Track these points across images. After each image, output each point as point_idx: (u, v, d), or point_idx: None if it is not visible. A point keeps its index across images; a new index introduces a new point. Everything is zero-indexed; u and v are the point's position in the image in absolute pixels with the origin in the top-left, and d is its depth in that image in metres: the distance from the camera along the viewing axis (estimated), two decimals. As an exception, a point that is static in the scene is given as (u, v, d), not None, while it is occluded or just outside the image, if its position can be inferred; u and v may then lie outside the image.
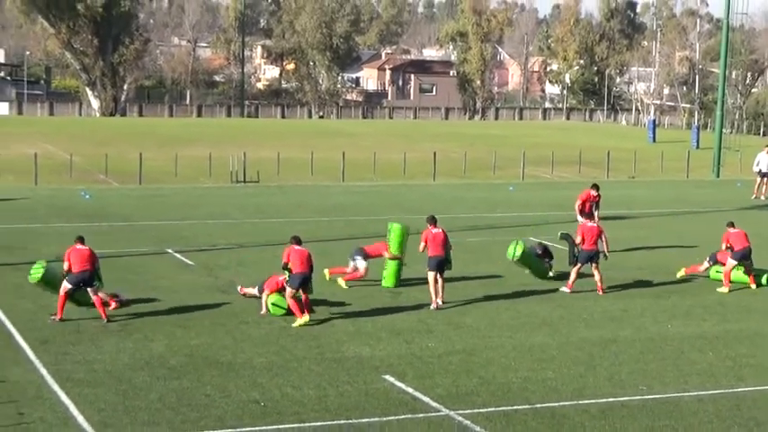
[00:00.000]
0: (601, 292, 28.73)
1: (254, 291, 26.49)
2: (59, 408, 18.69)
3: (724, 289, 29.67)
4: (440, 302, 26.87)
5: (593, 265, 28.84)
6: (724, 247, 30.37)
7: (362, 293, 28.08)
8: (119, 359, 21.75)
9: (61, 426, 17.80)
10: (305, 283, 24.94)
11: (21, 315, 24.83)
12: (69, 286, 24.60)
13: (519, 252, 29.67)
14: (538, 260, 30.56)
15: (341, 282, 28.81)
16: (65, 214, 41.64)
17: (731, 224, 30.88)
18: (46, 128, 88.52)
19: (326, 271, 29.13)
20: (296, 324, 24.51)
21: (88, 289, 24.78)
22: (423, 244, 27.22)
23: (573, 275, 29.14)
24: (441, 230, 27.33)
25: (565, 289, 29.03)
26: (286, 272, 25.04)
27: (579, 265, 29.07)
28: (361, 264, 28.94)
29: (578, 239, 29.20)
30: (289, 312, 25.08)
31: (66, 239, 35.00)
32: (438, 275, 26.95)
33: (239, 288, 27.22)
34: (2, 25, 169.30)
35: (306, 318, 24.63)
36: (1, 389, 19.65)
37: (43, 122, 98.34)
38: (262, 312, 25.60)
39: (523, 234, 38.50)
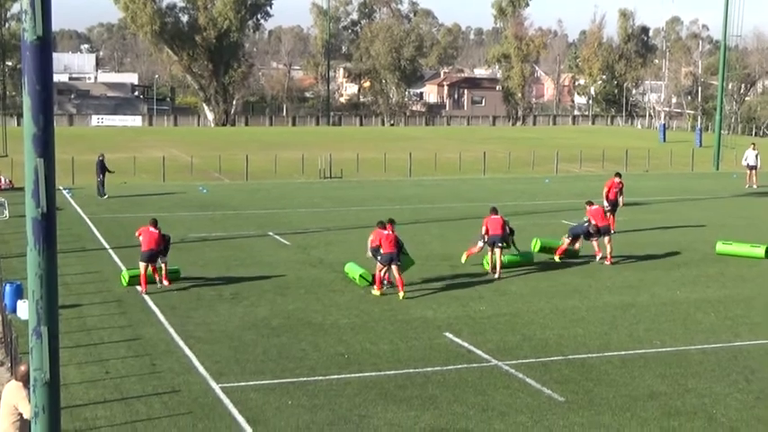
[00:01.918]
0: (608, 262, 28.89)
1: (381, 273, 24.87)
2: (184, 360, 18.87)
3: None
4: (496, 275, 26.84)
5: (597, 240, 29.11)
6: None
7: (426, 268, 28.03)
8: (231, 321, 21.90)
9: (186, 374, 17.96)
10: (391, 260, 24.63)
11: (152, 286, 25.06)
12: (143, 264, 24.70)
13: (537, 247, 29.61)
14: (553, 242, 30.24)
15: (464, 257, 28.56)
16: (186, 205, 42.00)
17: None
18: (171, 136, 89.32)
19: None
20: (373, 293, 24.55)
21: (158, 263, 24.94)
22: (484, 227, 27.18)
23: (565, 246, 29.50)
24: (499, 217, 27.35)
25: (556, 258, 29.31)
26: (374, 253, 24.84)
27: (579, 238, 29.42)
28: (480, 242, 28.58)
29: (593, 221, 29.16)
30: (371, 284, 25.09)
31: (188, 225, 35.47)
32: (496, 250, 26.95)
33: (376, 288, 24.81)
34: (136, 54, 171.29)
35: (377, 292, 24.51)
36: (138, 345, 19.88)
37: (169, 132, 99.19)
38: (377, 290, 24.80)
39: (556, 217, 38.33)
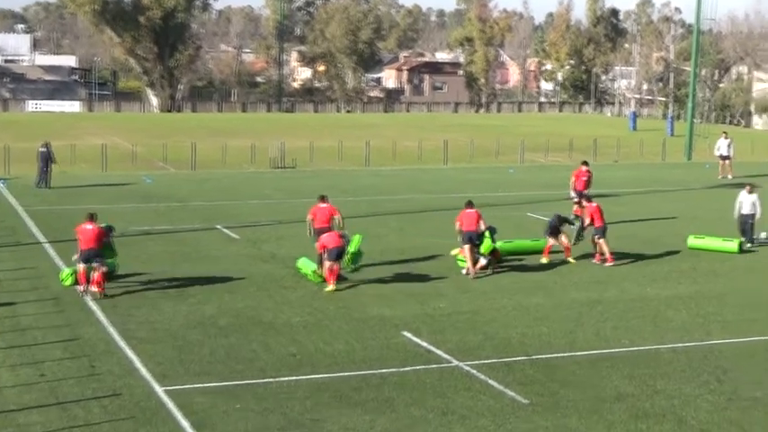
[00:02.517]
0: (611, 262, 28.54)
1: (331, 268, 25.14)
2: (125, 361, 18.77)
3: None
4: (472, 272, 26.44)
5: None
6: None
7: (383, 264, 28.06)
8: (175, 320, 21.81)
9: (127, 376, 17.86)
10: (339, 255, 24.86)
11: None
12: (82, 265, 23.79)
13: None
14: (520, 243, 30.17)
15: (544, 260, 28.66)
16: (129, 196, 41.73)
17: None
18: (113, 123, 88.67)
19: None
20: (326, 290, 24.63)
21: (93, 264, 23.76)
22: (458, 223, 26.71)
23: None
24: (474, 211, 26.70)
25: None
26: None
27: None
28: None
29: (587, 221, 28.99)
30: (325, 280, 25.10)
31: (131, 218, 35.22)
32: (472, 248, 26.46)
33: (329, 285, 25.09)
34: (75, 35, 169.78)
35: (331, 287, 24.68)
36: (76, 345, 19.75)
37: (110, 118, 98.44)
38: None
39: (521, 209, 38.51)
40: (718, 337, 21.30)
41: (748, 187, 32.24)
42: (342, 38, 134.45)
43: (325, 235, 25.17)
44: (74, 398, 16.73)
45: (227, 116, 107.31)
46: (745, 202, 31.65)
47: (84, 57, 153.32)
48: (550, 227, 29.05)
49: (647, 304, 23.98)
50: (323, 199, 27.11)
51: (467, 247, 26.52)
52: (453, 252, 27.86)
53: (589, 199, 30.83)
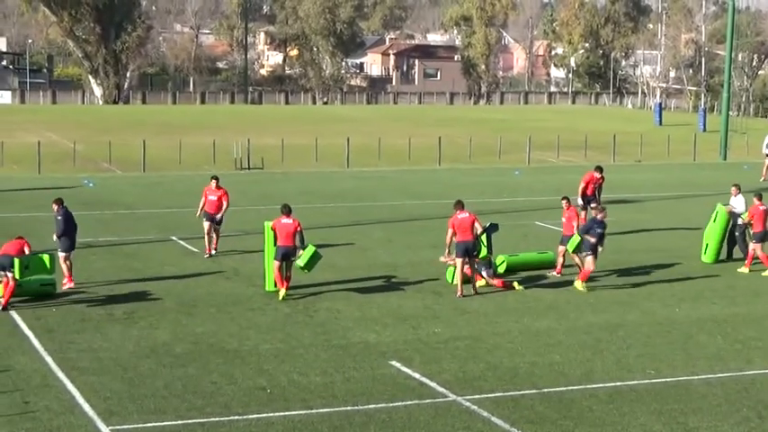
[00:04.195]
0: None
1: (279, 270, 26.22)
2: (65, 396, 18.69)
3: (744, 269, 29.84)
4: (459, 292, 26.33)
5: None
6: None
7: (367, 281, 28.06)
8: (124, 347, 21.74)
9: (67, 414, 17.79)
10: (287, 256, 25.69)
11: (26, 304, 24.80)
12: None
13: (503, 268, 28.76)
14: (527, 256, 30.16)
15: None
16: (69, 203, 41.46)
17: (758, 197, 30.25)
18: (49, 116, 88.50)
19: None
20: (281, 294, 25.74)
21: None
22: (450, 231, 26.29)
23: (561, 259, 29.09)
24: (468, 215, 26.30)
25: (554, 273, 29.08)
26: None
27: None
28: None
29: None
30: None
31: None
32: (467, 262, 26.36)
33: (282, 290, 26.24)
34: (3, 14, 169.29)
35: (282, 292, 25.71)
36: (6, 377, 19.66)
37: (46, 111, 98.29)
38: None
39: (530, 218, 38.55)
40: (760, 366, 21.33)
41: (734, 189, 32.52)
42: (317, 17, 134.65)
43: (282, 223, 25.87)
44: (4, 439, 16.69)
45: (182, 108, 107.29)
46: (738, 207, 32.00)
47: (16, 39, 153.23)
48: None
49: (676, 328, 24.02)
50: (216, 181, 30.91)
51: (460, 260, 26.30)
52: (442, 259, 27.57)
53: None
